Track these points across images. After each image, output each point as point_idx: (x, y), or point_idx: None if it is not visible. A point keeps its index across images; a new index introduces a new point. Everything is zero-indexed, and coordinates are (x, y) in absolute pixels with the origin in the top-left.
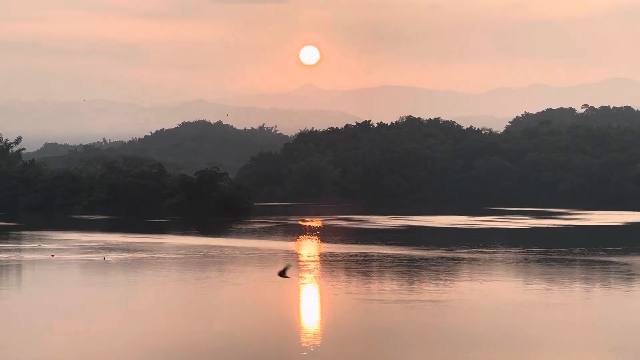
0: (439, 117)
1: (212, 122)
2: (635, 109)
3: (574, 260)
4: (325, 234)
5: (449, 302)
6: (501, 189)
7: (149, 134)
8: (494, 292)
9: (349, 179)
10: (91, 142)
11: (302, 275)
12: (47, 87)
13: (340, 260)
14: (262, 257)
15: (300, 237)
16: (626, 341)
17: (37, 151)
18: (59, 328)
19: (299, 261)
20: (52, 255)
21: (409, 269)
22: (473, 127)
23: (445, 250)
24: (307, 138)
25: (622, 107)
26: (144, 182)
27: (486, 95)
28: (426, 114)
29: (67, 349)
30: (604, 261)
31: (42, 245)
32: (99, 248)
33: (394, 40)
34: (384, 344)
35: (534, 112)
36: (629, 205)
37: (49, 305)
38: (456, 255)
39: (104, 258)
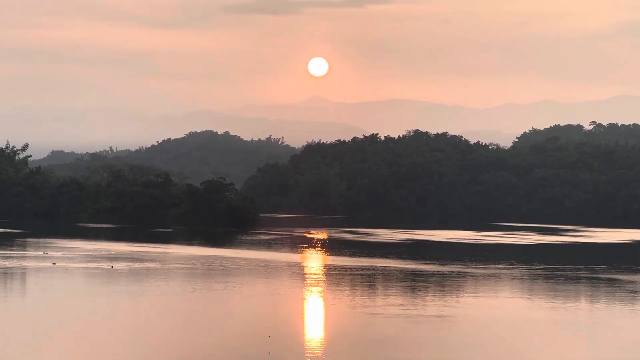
0: (446, 132)
1: (219, 133)
2: None
3: (579, 278)
4: (330, 247)
5: (454, 317)
6: (507, 204)
7: (156, 143)
8: (498, 308)
9: (355, 192)
10: (98, 151)
11: (307, 288)
12: (55, 94)
13: (345, 274)
14: (267, 269)
15: (306, 249)
16: (629, 358)
17: (44, 158)
18: (63, 336)
19: (304, 273)
20: (54, 264)
21: (414, 283)
22: (480, 142)
23: (451, 265)
24: (314, 150)
25: (630, 125)
26: (150, 191)
27: (494, 111)
28: (433, 128)
29: (68, 357)
30: (609, 279)
31: (47, 252)
32: (104, 257)
33: (403, 53)
34: (387, 357)
35: (542, 128)
36: (635, 223)
37: (55, 314)
38: (461, 270)
39: (112, 267)
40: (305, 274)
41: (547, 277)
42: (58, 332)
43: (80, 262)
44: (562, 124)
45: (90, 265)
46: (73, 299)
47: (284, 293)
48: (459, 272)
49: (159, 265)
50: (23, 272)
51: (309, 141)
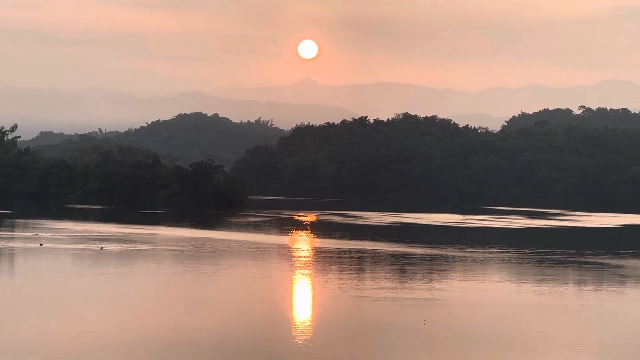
0: (436, 115)
1: (208, 114)
2: (632, 112)
3: (567, 262)
4: (319, 229)
5: (442, 300)
6: (496, 188)
7: (145, 125)
8: (486, 292)
9: (344, 175)
10: (87, 132)
11: (296, 270)
12: (44, 75)
13: (333, 256)
14: (257, 251)
15: (294, 231)
16: (618, 343)
17: (33, 139)
18: (52, 317)
19: (293, 256)
20: (41, 245)
21: (402, 266)
22: (469, 126)
23: (439, 248)
24: (303, 132)
25: (618, 109)
26: (139, 172)
27: (483, 94)
28: (423, 112)
29: (57, 339)
30: (597, 263)
31: (39, 234)
32: (93, 238)
33: (392, 36)
34: (375, 340)
35: (531, 112)
36: (624, 207)
37: (44, 295)
38: (449, 253)
39: (102, 248)
40: (294, 256)
41: (536, 261)
42: (47, 313)
43: (70, 243)
44: (551, 108)
45: (80, 246)
46: (62, 280)
47: (274, 276)
48: (448, 255)
49: (148, 247)
50: (11, 253)
51: (298, 123)
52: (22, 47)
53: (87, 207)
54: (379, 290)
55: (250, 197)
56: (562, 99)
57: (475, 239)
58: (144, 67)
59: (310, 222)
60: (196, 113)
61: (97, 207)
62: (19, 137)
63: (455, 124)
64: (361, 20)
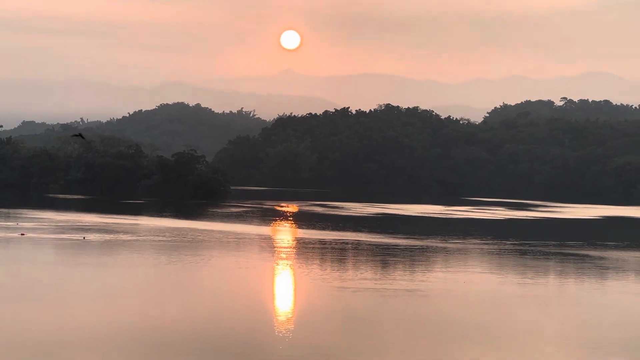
0: (418, 106)
1: (190, 105)
2: (614, 103)
3: (548, 253)
4: (300, 220)
5: (423, 291)
6: (478, 179)
7: (127, 115)
8: (468, 283)
9: (326, 165)
10: (69, 122)
11: (278, 261)
12: (26, 65)
13: (316, 247)
14: (239, 242)
15: (276, 222)
16: (598, 334)
17: (15, 129)
18: (35, 307)
19: (275, 247)
20: (22, 235)
21: (384, 257)
22: (451, 117)
23: (421, 239)
24: (286, 123)
25: (600, 101)
26: (121, 162)
27: (465, 86)
28: (405, 103)
29: (37, 329)
30: (578, 254)
31: (19, 224)
32: (76, 228)
33: (375, 27)
34: (357, 331)
35: (513, 104)
36: (605, 198)
37: (26, 285)
38: (431, 244)
39: (84, 238)
40: (276, 247)
41: (518, 253)
42: (28, 303)
43: (51, 233)
44: (533, 99)
45: (62, 236)
46: (44, 270)
47: (256, 266)
48: (430, 246)
49: (131, 237)
50: None
51: (281, 114)
52: (4, 37)
53: (69, 197)
54: (361, 281)
55: (232, 188)
56: (544, 90)
57: (457, 230)
58: (126, 57)
59: (292, 213)
60: (178, 103)
61: (79, 197)
62: (1, 126)
63: (437, 115)
64: (344, 11)
